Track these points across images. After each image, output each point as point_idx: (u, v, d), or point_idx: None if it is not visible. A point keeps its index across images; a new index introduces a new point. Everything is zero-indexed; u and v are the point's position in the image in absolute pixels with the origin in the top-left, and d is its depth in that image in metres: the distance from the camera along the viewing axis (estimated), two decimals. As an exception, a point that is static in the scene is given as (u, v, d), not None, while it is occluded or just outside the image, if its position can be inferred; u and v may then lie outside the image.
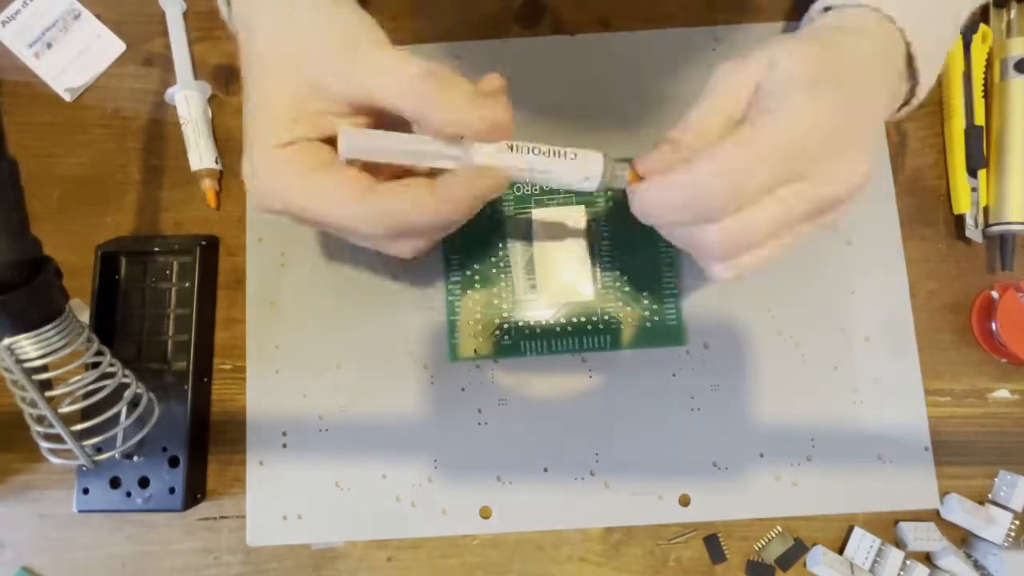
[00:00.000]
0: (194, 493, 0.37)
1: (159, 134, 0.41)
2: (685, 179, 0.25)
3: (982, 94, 0.39)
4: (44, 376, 0.30)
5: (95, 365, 0.32)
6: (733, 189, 0.25)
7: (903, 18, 0.27)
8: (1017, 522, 0.35)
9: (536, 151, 0.27)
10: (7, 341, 0.28)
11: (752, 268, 0.28)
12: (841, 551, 0.36)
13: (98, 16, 0.42)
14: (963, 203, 0.38)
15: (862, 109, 0.26)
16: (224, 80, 0.41)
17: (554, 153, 0.27)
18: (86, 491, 0.36)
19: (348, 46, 0.26)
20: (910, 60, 0.27)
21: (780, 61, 0.26)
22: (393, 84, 0.26)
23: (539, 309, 0.38)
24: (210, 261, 0.39)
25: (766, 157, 0.25)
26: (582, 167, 0.27)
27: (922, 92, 0.29)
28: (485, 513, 0.37)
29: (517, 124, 0.41)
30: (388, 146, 0.26)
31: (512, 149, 0.27)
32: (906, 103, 0.29)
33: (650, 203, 0.27)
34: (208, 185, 0.39)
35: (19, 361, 0.29)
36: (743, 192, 0.25)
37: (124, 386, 0.33)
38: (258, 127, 0.26)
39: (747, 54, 0.28)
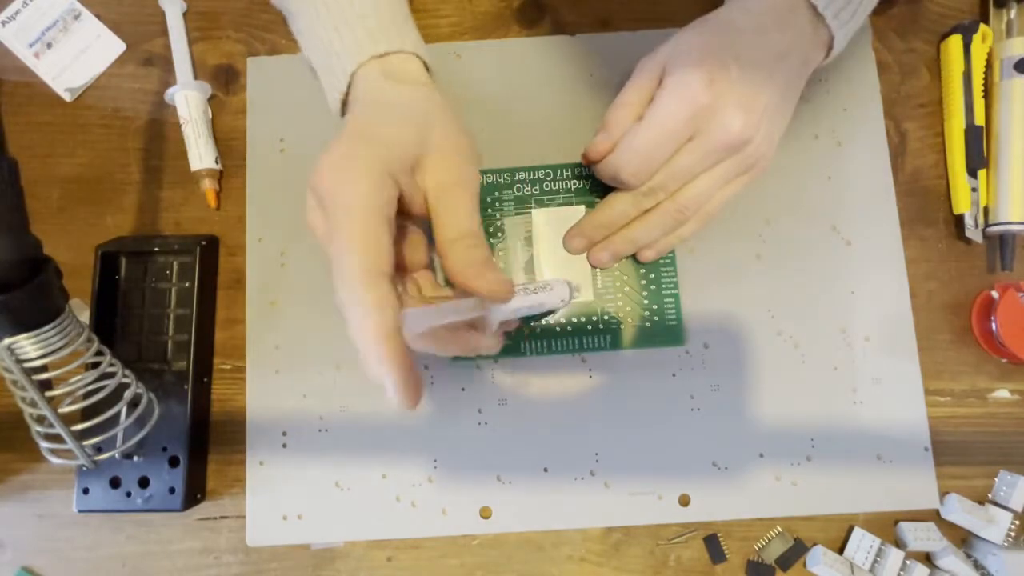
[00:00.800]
0: (194, 493, 0.37)
1: (159, 134, 0.41)
2: (614, 158, 0.33)
3: (982, 94, 0.39)
4: (44, 376, 0.30)
5: (95, 365, 0.32)
6: (645, 158, 0.32)
7: None
8: (1017, 522, 0.35)
9: (527, 290, 0.34)
10: (7, 341, 0.28)
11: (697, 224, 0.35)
12: (841, 551, 0.36)
13: (98, 16, 0.42)
14: (963, 203, 0.38)
15: (748, 72, 0.31)
16: (224, 80, 0.41)
17: (536, 290, 0.34)
18: (86, 491, 0.36)
19: (461, 157, 0.31)
20: (815, 11, 0.32)
21: (677, 45, 0.33)
22: (450, 223, 0.30)
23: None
24: (210, 261, 0.39)
25: (661, 127, 0.32)
26: (556, 295, 0.35)
27: (839, 41, 0.33)
28: (485, 513, 0.37)
29: (517, 124, 0.41)
30: (436, 316, 0.30)
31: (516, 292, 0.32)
32: (828, 53, 0.34)
33: (602, 176, 0.35)
34: (208, 185, 0.39)
35: (19, 361, 0.29)
36: (653, 159, 0.32)
37: (124, 386, 0.33)
38: (382, 138, 0.29)
39: (659, 46, 0.34)
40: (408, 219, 0.32)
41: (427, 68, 0.34)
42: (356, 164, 0.28)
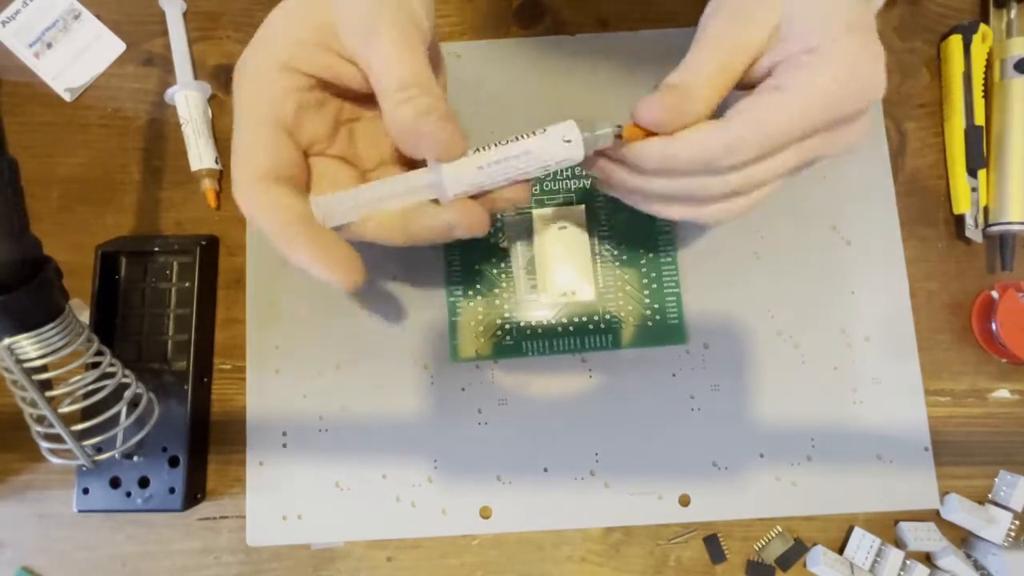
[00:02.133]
0: (194, 493, 0.37)
1: (159, 134, 0.41)
2: (718, 136, 0.25)
3: (982, 94, 0.39)
4: (44, 376, 0.30)
5: (95, 365, 0.32)
6: (765, 148, 0.25)
7: None
8: (1017, 522, 0.35)
9: (503, 142, 0.27)
10: (7, 341, 0.28)
11: (750, 209, 0.28)
12: (841, 551, 0.36)
13: (98, 16, 0.42)
14: (963, 203, 0.38)
15: (873, 43, 0.25)
16: (224, 80, 0.41)
17: (522, 136, 0.27)
18: (86, 491, 0.36)
19: (372, 11, 0.26)
20: None
21: (796, 18, 0.25)
22: (383, 75, 0.26)
23: (540, 309, 0.38)
24: (210, 261, 0.39)
25: (802, 117, 0.25)
26: (557, 134, 0.28)
27: None
28: (485, 513, 0.37)
29: (517, 124, 0.41)
30: (365, 200, 0.27)
31: (479, 150, 0.27)
32: None
33: (670, 157, 0.26)
34: (208, 185, 0.39)
35: (19, 361, 0.29)
36: (772, 150, 0.25)
37: (124, 386, 0.33)
38: (271, 38, 0.27)
39: (745, 12, 0.27)
40: (364, 105, 0.29)
41: None
42: (246, 69, 0.27)
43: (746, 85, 0.28)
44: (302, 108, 0.27)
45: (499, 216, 0.39)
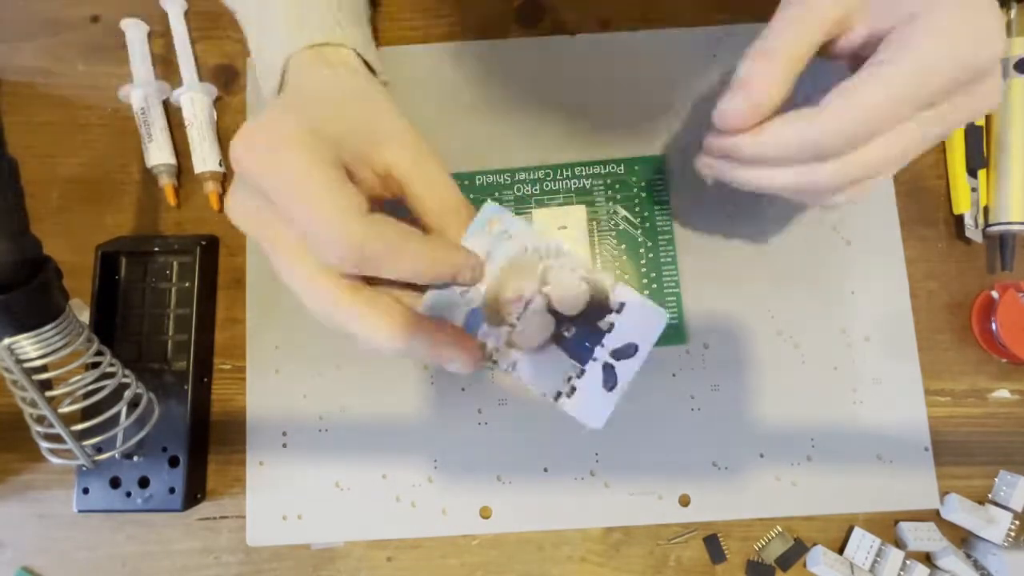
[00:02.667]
0: (194, 493, 0.37)
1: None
2: (813, 126, 0.24)
3: (982, 94, 0.39)
4: (44, 376, 0.30)
5: (95, 365, 0.32)
6: (870, 130, 0.24)
7: None
8: (1017, 522, 0.35)
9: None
10: (7, 341, 0.28)
11: (870, 189, 0.27)
12: (841, 551, 0.36)
13: (98, 16, 0.42)
14: (963, 203, 0.38)
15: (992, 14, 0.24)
16: (224, 80, 0.41)
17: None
18: (86, 491, 0.36)
19: (418, 136, 0.27)
20: None
21: None
22: (434, 201, 0.27)
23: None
24: (210, 261, 0.39)
25: (905, 95, 0.23)
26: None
27: None
28: (485, 513, 0.37)
29: (517, 124, 0.41)
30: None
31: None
32: None
33: (771, 146, 0.26)
34: (212, 188, 0.39)
35: (19, 361, 0.29)
36: (879, 131, 0.24)
37: (124, 386, 0.33)
38: (315, 117, 0.25)
39: None
40: None
41: (372, 70, 0.31)
42: (285, 133, 0.23)
43: (841, 55, 0.27)
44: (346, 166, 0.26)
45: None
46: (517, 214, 0.38)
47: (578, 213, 0.38)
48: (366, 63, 0.31)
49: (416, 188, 0.26)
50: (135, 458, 0.36)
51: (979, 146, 0.38)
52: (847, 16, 0.26)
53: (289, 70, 0.29)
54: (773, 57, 0.25)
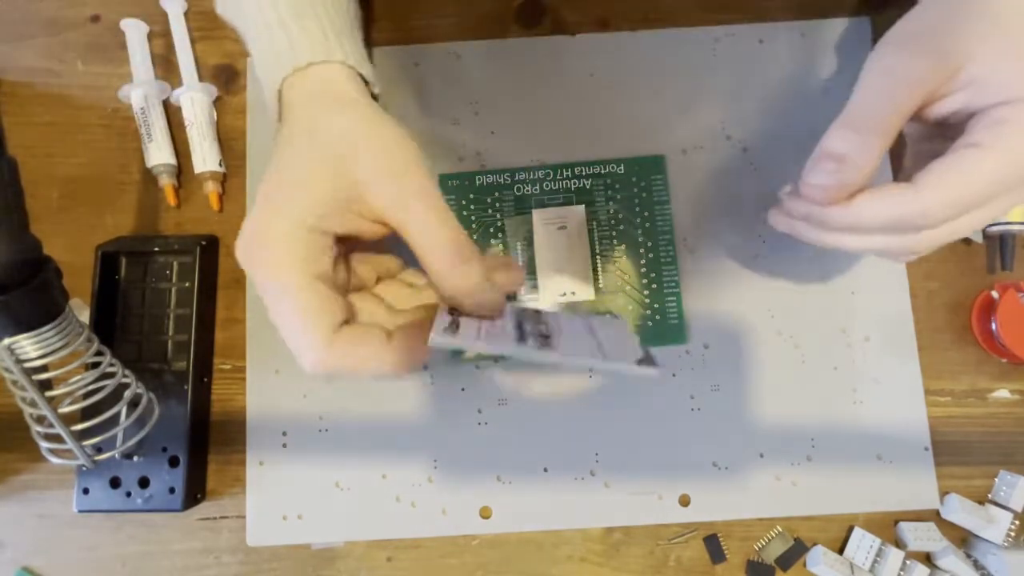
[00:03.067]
0: (194, 493, 0.37)
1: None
2: (907, 203, 0.25)
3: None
4: (44, 376, 0.30)
5: (95, 365, 0.32)
6: (958, 210, 0.25)
7: None
8: (1017, 522, 0.35)
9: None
10: (7, 341, 0.28)
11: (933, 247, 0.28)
12: (841, 551, 0.36)
13: (98, 16, 0.42)
14: (963, 203, 0.38)
15: None
16: (224, 80, 0.41)
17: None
18: (86, 491, 0.36)
19: (399, 174, 0.27)
20: None
21: (991, 64, 0.24)
22: (428, 244, 0.26)
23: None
24: (210, 261, 0.39)
25: (999, 179, 0.24)
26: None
27: None
28: (485, 513, 0.37)
29: (517, 124, 0.41)
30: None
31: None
32: None
33: (865, 220, 0.26)
34: (212, 188, 0.39)
35: (19, 361, 0.29)
36: (965, 210, 0.25)
37: (124, 386, 0.33)
38: (295, 195, 0.26)
39: (918, 45, 0.26)
40: (364, 247, 0.30)
41: (366, 81, 0.31)
42: (270, 236, 0.25)
43: (929, 121, 0.27)
44: (332, 262, 0.27)
45: (499, 216, 0.39)
46: (517, 214, 0.38)
47: (578, 213, 0.38)
48: (359, 74, 0.31)
49: (409, 230, 0.26)
50: (135, 458, 0.36)
51: (979, 146, 0.38)
52: (937, 88, 0.25)
53: (283, 99, 0.30)
54: (863, 130, 0.25)
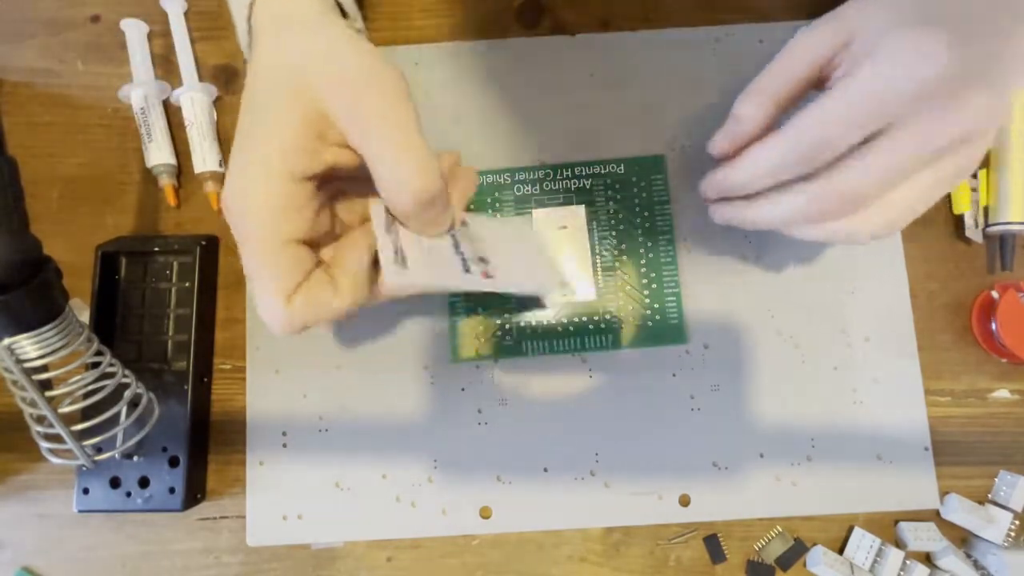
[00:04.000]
0: (194, 493, 0.37)
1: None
2: (783, 136, 0.27)
3: (982, 94, 0.39)
4: (44, 376, 0.29)
5: (95, 365, 0.32)
6: (830, 137, 0.25)
7: None
8: (1017, 522, 0.35)
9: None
10: (7, 341, 0.28)
11: (882, 226, 0.28)
12: (841, 551, 0.36)
13: (98, 16, 0.42)
14: (963, 203, 0.38)
15: (980, 42, 0.24)
16: (224, 80, 0.41)
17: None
18: (86, 491, 0.36)
19: (356, 84, 0.25)
20: None
21: (870, 10, 0.26)
22: (391, 182, 0.26)
23: (540, 309, 0.38)
24: (210, 261, 0.39)
25: (857, 107, 0.24)
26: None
27: None
28: (485, 513, 0.37)
29: (517, 124, 0.41)
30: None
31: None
32: None
33: (750, 166, 0.28)
34: (212, 188, 0.39)
35: (19, 361, 0.29)
36: (838, 143, 0.25)
37: (124, 386, 0.33)
38: (262, 147, 0.26)
39: (823, 19, 0.28)
40: (353, 189, 0.29)
41: (344, 12, 0.30)
42: (247, 194, 0.26)
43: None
44: (315, 212, 0.27)
45: (499, 216, 0.39)
46: (517, 214, 0.38)
47: (578, 213, 0.38)
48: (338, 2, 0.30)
49: (364, 151, 0.26)
50: (135, 458, 0.36)
51: (979, 146, 0.38)
52: (832, 56, 0.28)
53: (252, 29, 0.29)
54: (754, 92, 0.29)
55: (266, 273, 0.26)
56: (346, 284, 0.27)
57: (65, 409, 0.31)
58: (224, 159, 0.40)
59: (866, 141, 0.25)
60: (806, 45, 0.28)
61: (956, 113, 0.24)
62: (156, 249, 0.38)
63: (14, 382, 0.30)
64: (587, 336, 0.37)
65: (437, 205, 0.27)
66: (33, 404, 0.30)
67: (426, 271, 0.27)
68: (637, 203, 0.39)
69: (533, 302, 0.37)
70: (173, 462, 0.36)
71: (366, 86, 0.25)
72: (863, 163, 0.25)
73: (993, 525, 0.35)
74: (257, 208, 0.26)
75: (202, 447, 0.38)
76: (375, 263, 0.28)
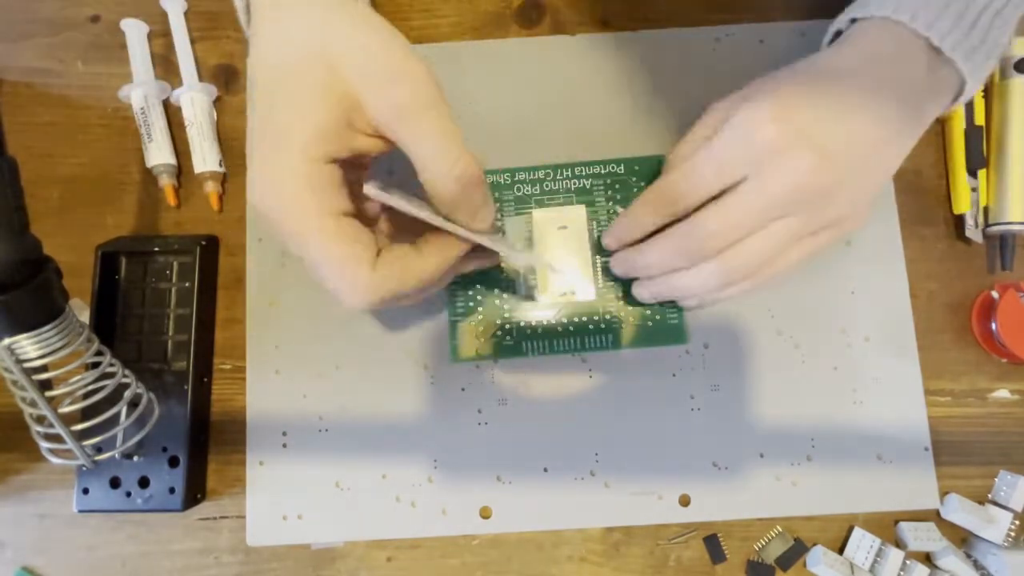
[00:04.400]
0: (194, 493, 0.37)
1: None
2: (658, 183, 0.31)
3: (982, 94, 0.39)
4: (44, 376, 0.29)
5: (95, 365, 0.32)
6: (663, 215, 0.31)
7: (912, 18, 0.28)
8: (1017, 522, 0.35)
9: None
10: (7, 341, 0.28)
11: (752, 288, 0.32)
12: (841, 551, 0.36)
13: (98, 16, 0.42)
14: (963, 203, 0.38)
15: (832, 116, 0.28)
16: (224, 80, 0.41)
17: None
18: (86, 491, 0.36)
19: (393, 79, 0.25)
20: (931, 47, 0.28)
21: (751, 86, 0.31)
22: (436, 168, 0.26)
23: (540, 309, 0.38)
24: (210, 261, 0.39)
25: (710, 155, 0.29)
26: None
27: (973, 78, 0.29)
28: (485, 513, 0.37)
29: (517, 124, 0.41)
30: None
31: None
32: (960, 93, 0.30)
33: (648, 258, 0.32)
34: (212, 188, 0.39)
35: (19, 361, 0.29)
36: (698, 188, 0.30)
37: (124, 386, 0.33)
38: (292, 132, 0.25)
39: (730, 96, 0.32)
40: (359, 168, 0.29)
41: None
42: (282, 182, 0.25)
43: None
44: (348, 194, 0.27)
45: (500, 216, 0.39)
46: (517, 214, 0.38)
47: (578, 213, 0.38)
48: None
49: (408, 151, 0.25)
50: (135, 458, 0.36)
51: (979, 146, 0.38)
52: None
53: (253, 14, 0.27)
54: (690, 147, 0.33)
55: (336, 249, 0.25)
56: (431, 248, 0.27)
57: (65, 409, 0.31)
58: (224, 159, 0.40)
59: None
60: (716, 115, 0.33)
61: (784, 170, 0.27)
62: (156, 249, 0.38)
63: (14, 382, 0.30)
64: (587, 336, 0.37)
65: (480, 190, 0.27)
66: (33, 404, 0.30)
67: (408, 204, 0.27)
68: (637, 203, 0.39)
69: (523, 287, 0.37)
70: (173, 462, 0.36)
71: (403, 80, 0.25)
72: (719, 212, 0.29)
73: (993, 525, 0.35)
74: (299, 190, 0.25)
75: (202, 447, 0.38)
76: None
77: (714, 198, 0.29)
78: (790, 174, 0.27)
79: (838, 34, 0.32)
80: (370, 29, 0.25)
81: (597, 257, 0.38)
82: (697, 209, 0.30)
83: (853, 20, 0.30)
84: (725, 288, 0.31)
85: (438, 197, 0.26)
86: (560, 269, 0.37)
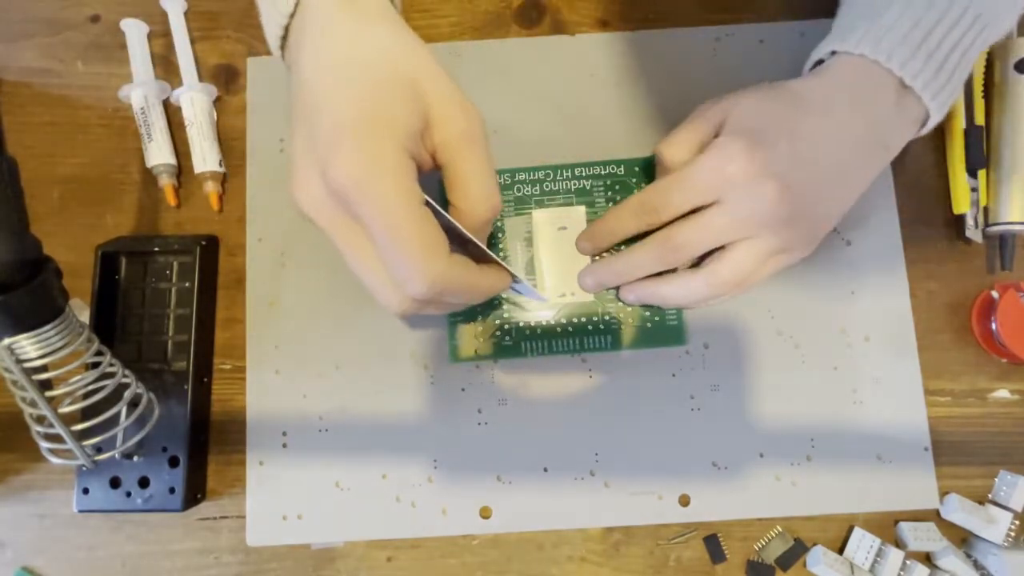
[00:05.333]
0: (194, 493, 0.37)
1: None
2: (657, 239, 0.33)
3: (982, 94, 0.39)
4: (44, 376, 0.30)
5: (95, 365, 0.32)
6: (663, 200, 0.32)
7: (888, 58, 0.30)
8: (1017, 522, 0.35)
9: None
10: (7, 341, 0.28)
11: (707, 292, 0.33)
12: (841, 551, 0.36)
13: (98, 16, 0.42)
14: (963, 203, 0.38)
15: (800, 151, 0.30)
16: (224, 80, 0.41)
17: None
18: (86, 491, 0.36)
19: (467, 109, 0.28)
20: (902, 84, 0.30)
21: (738, 103, 0.32)
22: (478, 192, 0.29)
23: (539, 310, 0.38)
24: (210, 261, 0.39)
25: (687, 178, 0.32)
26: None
27: (935, 112, 0.31)
28: (485, 513, 0.37)
29: (516, 124, 0.41)
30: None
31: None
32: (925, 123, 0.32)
33: (612, 222, 0.35)
34: (211, 188, 0.39)
35: (19, 361, 0.29)
36: (670, 204, 0.32)
37: (124, 386, 0.33)
38: (395, 123, 0.26)
39: (721, 97, 0.34)
40: None
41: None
42: (381, 165, 0.26)
43: None
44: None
45: (499, 216, 0.39)
46: (517, 214, 0.38)
47: (578, 213, 0.38)
48: None
49: (457, 176, 0.28)
50: (135, 458, 0.36)
51: (979, 146, 0.38)
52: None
53: (303, 12, 0.27)
54: (677, 148, 0.34)
55: (425, 231, 0.26)
56: (490, 270, 0.30)
57: (65, 409, 0.31)
58: (224, 159, 0.40)
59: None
60: (707, 123, 0.34)
61: (750, 198, 0.30)
62: (156, 249, 0.38)
63: (14, 382, 0.30)
64: (587, 337, 0.37)
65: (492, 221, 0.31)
66: (33, 404, 0.30)
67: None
68: (637, 203, 0.39)
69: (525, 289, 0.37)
70: (173, 462, 0.36)
71: (471, 113, 0.28)
72: (692, 227, 0.32)
73: (993, 525, 0.35)
74: (400, 173, 0.26)
75: (202, 447, 0.38)
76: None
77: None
78: (756, 201, 0.30)
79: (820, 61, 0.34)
80: (436, 58, 0.28)
81: (597, 258, 0.38)
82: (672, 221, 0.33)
83: (833, 52, 0.32)
84: (708, 300, 0.34)
85: (468, 219, 0.29)
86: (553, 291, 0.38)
